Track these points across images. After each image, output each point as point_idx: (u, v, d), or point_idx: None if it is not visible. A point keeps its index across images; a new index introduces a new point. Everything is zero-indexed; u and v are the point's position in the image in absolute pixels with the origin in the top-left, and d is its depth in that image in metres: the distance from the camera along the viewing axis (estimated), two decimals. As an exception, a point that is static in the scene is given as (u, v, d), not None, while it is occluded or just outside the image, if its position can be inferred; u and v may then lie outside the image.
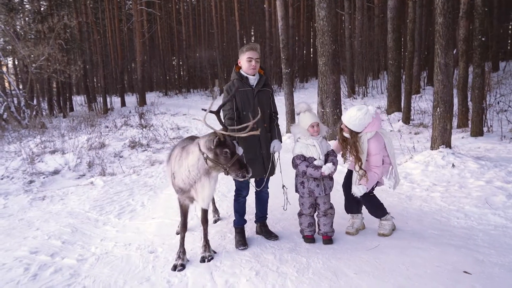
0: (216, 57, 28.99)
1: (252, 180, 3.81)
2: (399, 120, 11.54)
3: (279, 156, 3.85)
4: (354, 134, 3.62)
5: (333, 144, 3.94)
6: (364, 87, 18.93)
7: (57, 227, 4.88)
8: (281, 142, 3.81)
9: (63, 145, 10.15)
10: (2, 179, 7.84)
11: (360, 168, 3.59)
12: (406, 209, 4.51)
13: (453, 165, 5.85)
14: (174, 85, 34.06)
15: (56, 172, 8.32)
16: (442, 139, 6.39)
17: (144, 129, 13.78)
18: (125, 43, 33.22)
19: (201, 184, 3.21)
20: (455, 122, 10.10)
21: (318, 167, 3.51)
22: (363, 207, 3.95)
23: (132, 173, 8.30)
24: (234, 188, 3.84)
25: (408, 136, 9.73)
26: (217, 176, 3.33)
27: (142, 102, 23.92)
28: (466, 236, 3.60)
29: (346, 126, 3.64)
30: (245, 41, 31.58)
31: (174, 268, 3.32)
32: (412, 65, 12.11)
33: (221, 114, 3.43)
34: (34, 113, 16.17)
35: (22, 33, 17.23)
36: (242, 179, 3.19)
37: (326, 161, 3.60)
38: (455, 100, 10.38)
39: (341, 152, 3.88)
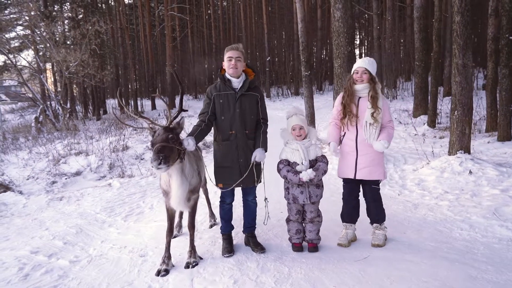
0: (245, 60, 29.10)
1: (238, 189, 3.71)
2: (424, 124, 11.09)
3: (263, 165, 3.70)
4: (374, 80, 3.55)
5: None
6: (393, 89, 18.35)
7: (64, 227, 5.01)
8: (266, 151, 3.62)
9: (88, 147, 10.48)
10: (27, 179, 8.20)
11: (373, 116, 3.47)
12: (409, 218, 4.28)
13: (470, 172, 5.53)
14: (204, 88, 34.52)
15: (78, 173, 8.60)
16: (460, 144, 6.07)
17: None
18: (158, 47, 34.04)
19: (171, 182, 3.26)
20: (483, 126, 9.61)
21: (299, 173, 3.40)
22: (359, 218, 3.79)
23: (149, 175, 8.43)
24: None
25: (432, 140, 9.33)
26: (181, 176, 3.25)
27: (171, 105, 24.40)
28: (466, 249, 3.36)
29: (367, 72, 3.53)
30: (276, 42, 31.59)
31: (158, 273, 3.31)
32: (438, 66, 11.59)
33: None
34: (67, 116, 16.82)
35: (57, 39, 18.02)
36: (152, 168, 3.12)
37: (313, 167, 3.47)
38: (484, 103, 9.89)
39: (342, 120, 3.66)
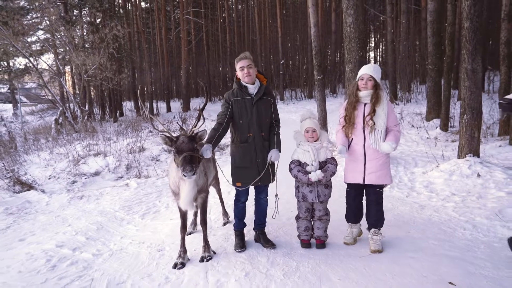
0: (258, 63, 29.40)
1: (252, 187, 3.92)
2: (437, 127, 11.12)
3: (277, 164, 3.92)
4: (378, 87, 3.65)
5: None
6: (407, 92, 18.31)
7: (86, 224, 5.30)
8: (280, 151, 3.83)
9: (106, 149, 10.83)
10: (49, 178, 8.56)
11: (371, 119, 3.58)
12: (414, 218, 4.43)
13: (479, 175, 5.63)
14: (218, 91, 34.92)
15: (97, 173, 8.92)
16: (469, 148, 6.16)
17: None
18: (173, 51, 34.58)
19: (181, 185, 3.48)
20: (496, 130, 9.61)
21: (308, 173, 3.61)
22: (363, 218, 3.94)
23: (165, 176, 8.71)
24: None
25: (444, 143, 9.38)
26: (193, 180, 3.43)
27: (186, 107, 24.79)
28: (467, 247, 3.51)
29: (372, 79, 3.63)
30: (290, 46, 31.80)
31: (175, 266, 3.56)
32: (451, 70, 11.59)
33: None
34: (85, 118, 17.29)
35: (77, 43, 18.55)
36: (184, 177, 3.24)
37: (322, 168, 3.67)
38: (497, 106, 9.89)
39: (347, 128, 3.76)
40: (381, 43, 38.88)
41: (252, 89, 3.76)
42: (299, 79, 28.80)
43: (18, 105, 27.49)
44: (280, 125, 3.98)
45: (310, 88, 25.81)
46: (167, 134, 3.42)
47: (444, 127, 10.69)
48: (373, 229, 3.72)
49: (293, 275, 3.19)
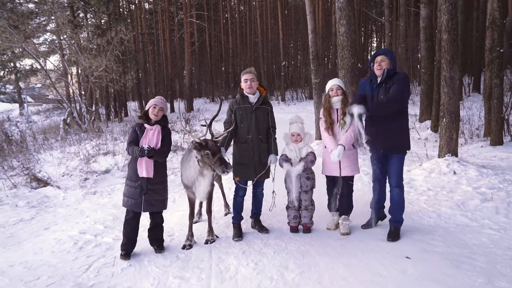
0: (260, 65, 30.04)
1: (249, 183, 4.56)
2: (428, 129, 11.73)
3: (275, 166, 4.55)
4: (345, 93, 4.42)
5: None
6: (404, 94, 18.83)
7: (102, 215, 5.97)
8: (277, 155, 4.49)
9: (114, 148, 11.49)
10: (63, 176, 9.24)
11: (343, 119, 4.28)
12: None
13: (455, 172, 6.25)
14: (220, 91, 35.55)
15: (107, 171, 9.59)
16: (448, 148, 6.77)
17: (186, 134, 14.92)
18: (176, 52, 35.24)
19: (198, 182, 4.17)
20: (482, 131, 10.20)
21: (290, 161, 4.40)
22: None
23: (171, 174, 9.39)
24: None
25: (432, 144, 9.99)
26: (211, 176, 4.15)
27: (189, 108, 25.43)
28: (428, 231, 4.17)
29: (340, 88, 4.39)
30: (292, 47, 32.36)
31: (183, 247, 4.24)
32: (440, 74, 12.20)
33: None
34: (92, 118, 17.95)
35: (84, 46, 19.19)
36: (223, 174, 3.93)
37: None
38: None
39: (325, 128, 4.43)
40: (382, 44, 39.31)
41: (253, 98, 4.41)
42: (300, 80, 29.38)
43: (25, 105, 28.21)
44: (276, 130, 4.60)
45: (311, 88, 26.37)
46: (198, 141, 3.95)
47: (435, 128, 11.31)
48: (343, 216, 4.47)
49: (282, 252, 3.87)
